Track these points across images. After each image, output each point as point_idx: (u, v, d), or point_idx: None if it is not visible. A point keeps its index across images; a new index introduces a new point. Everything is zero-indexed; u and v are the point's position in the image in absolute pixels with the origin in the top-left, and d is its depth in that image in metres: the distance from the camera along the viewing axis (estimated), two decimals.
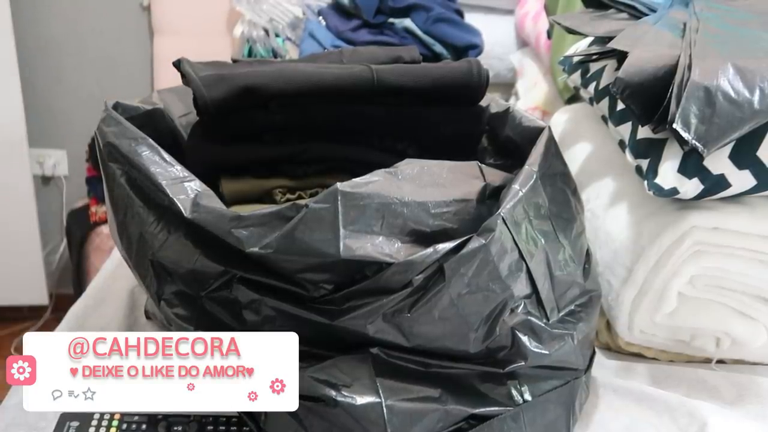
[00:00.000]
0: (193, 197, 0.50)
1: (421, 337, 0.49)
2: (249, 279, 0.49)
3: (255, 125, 0.70)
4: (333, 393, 0.48)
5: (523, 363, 0.52)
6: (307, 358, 0.49)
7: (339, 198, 0.48)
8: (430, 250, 0.48)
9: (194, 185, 0.51)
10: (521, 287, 0.52)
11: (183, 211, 0.50)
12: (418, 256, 0.47)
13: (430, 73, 0.69)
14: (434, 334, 0.50)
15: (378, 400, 0.48)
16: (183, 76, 0.66)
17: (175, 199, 0.50)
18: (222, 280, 0.50)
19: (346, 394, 0.48)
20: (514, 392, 0.53)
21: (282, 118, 0.69)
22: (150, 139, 0.55)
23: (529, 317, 0.52)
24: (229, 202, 0.68)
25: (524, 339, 0.52)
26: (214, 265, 0.50)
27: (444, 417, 0.50)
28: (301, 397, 0.48)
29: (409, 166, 0.52)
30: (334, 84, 0.66)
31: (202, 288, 0.50)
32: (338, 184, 0.48)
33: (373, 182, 0.49)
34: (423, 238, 0.49)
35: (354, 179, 0.49)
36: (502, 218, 0.50)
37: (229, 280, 0.50)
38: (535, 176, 0.54)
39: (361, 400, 0.48)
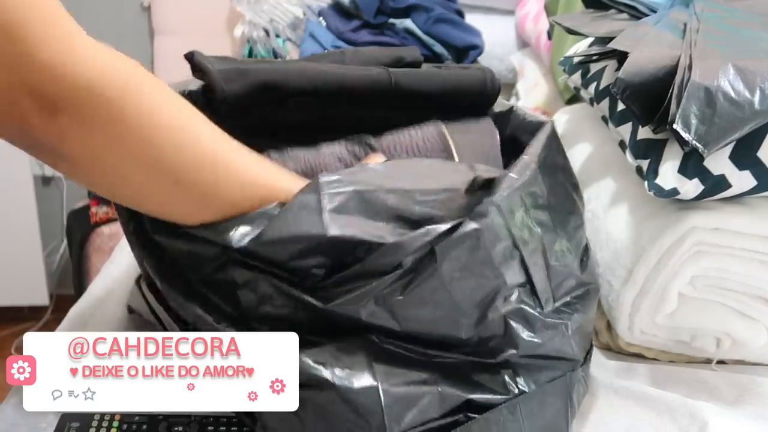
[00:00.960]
0: None
1: (413, 321, 0.49)
2: (243, 262, 0.50)
3: (270, 122, 0.69)
4: (329, 376, 0.48)
5: (514, 351, 0.52)
6: (304, 344, 0.49)
7: (321, 187, 0.48)
8: (422, 231, 0.48)
9: None
10: (514, 275, 0.51)
11: None
12: (408, 237, 0.48)
13: (446, 79, 0.70)
14: (426, 318, 0.49)
15: (374, 383, 0.48)
16: (195, 70, 0.65)
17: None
18: (218, 262, 0.50)
19: (342, 377, 0.48)
20: (509, 381, 0.52)
21: (299, 117, 0.69)
22: None
23: (522, 306, 0.52)
24: None
25: (517, 327, 0.51)
26: (211, 247, 0.50)
27: (440, 401, 0.50)
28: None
29: (396, 161, 0.53)
30: (354, 85, 0.67)
31: (195, 272, 0.51)
32: (319, 176, 0.49)
33: (357, 173, 0.50)
34: (409, 225, 0.49)
35: (337, 172, 0.50)
36: (496, 205, 0.50)
37: (224, 263, 0.50)
38: (533, 165, 0.54)
39: (358, 383, 0.48)
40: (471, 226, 0.48)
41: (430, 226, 0.48)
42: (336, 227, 0.47)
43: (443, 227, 0.48)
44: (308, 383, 0.48)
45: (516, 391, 0.52)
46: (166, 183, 0.47)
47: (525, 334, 0.52)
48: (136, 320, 0.65)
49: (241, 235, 0.48)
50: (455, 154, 0.64)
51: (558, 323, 0.54)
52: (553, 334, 0.54)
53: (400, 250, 0.48)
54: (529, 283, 0.53)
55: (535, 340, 0.52)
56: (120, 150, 0.45)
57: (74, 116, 0.42)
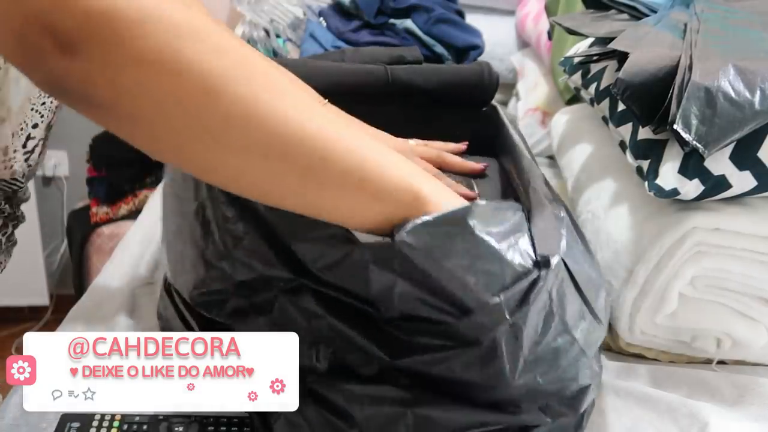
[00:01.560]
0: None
1: (480, 390, 0.48)
2: (318, 291, 0.48)
3: None
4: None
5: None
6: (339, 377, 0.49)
7: (397, 257, 0.43)
8: (495, 303, 0.44)
9: None
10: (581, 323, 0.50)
11: (259, 209, 0.48)
12: (482, 313, 0.44)
13: (443, 73, 0.70)
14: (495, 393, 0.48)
15: None
16: None
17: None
18: (292, 285, 0.48)
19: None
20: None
21: None
22: None
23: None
24: None
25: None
26: (285, 273, 0.48)
27: None
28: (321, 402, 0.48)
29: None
30: (352, 80, 0.66)
31: (273, 288, 0.50)
32: (398, 236, 0.42)
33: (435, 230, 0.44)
34: (489, 288, 0.45)
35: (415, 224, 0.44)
36: (562, 259, 0.47)
37: (299, 287, 0.48)
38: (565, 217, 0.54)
39: None
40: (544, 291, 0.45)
41: (503, 296, 0.44)
42: (404, 303, 0.44)
43: (517, 294, 0.45)
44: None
45: None
46: (218, 137, 0.38)
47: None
48: (164, 327, 0.65)
49: (314, 257, 0.46)
50: (475, 188, 0.63)
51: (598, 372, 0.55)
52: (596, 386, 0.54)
53: (477, 327, 0.44)
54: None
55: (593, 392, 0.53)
56: (157, 89, 0.36)
57: (95, 51, 0.35)
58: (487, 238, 0.44)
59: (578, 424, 0.55)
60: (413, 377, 0.48)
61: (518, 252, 0.45)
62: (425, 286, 0.44)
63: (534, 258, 0.46)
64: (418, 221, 0.43)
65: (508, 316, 0.44)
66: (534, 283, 0.45)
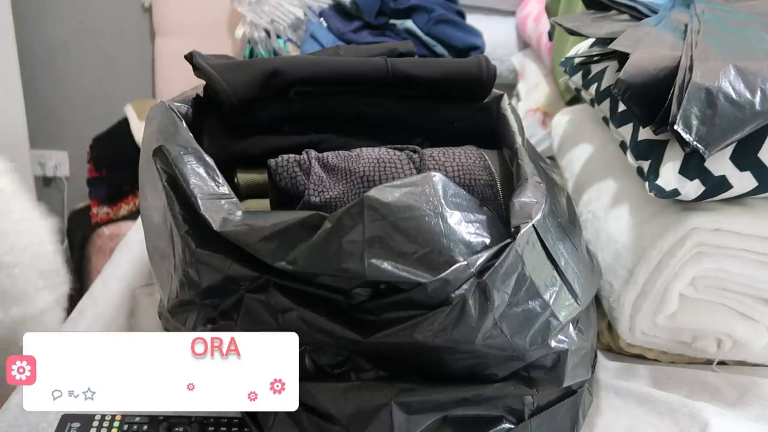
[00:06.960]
0: (225, 215, 0.50)
1: (461, 355, 0.48)
2: (284, 285, 0.48)
3: (273, 116, 0.69)
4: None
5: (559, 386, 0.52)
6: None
7: (365, 212, 0.45)
8: (463, 263, 0.46)
9: (229, 204, 0.51)
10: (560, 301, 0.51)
11: (213, 225, 0.49)
12: (452, 271, 0.45)
13: (442, 66, 0.69)
14: (473, 354, 0.48)
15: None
16: (195, 68, 0.65)
17: (205, 215, 0.50)
18: (258, 282, 0.49)
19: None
20: (526, 401, 0.52)
21: (301, 108, 0.68)
22: (201, 151, 0.55)
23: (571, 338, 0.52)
24: (243, 194, 0.67)
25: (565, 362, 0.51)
26: (249, 272, 0.49)
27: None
28: (306, 408, 0.48)
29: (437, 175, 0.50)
30: (353, 72, 0.66)
31: (239, 287, 0.50)
32: (365, 196, 0.45)
33: (403, 191, 0.47)
34: (458, 252, 0.47)
35: (384, 187, 0.46)
36: (533, 226, 0.48)
37: (265, 284, 0.49)
38: (544, 187, 0.54)
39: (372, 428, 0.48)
40: (514, 251, 0.46)
41: (472, 257, 0.46)
42: (376, 268, 0.45)
43: (484, 256, 0.46)
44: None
45: (530, 411, 0.52)
46: None
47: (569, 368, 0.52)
48: (165, 327, 0.65)
49: (279, 252, 0.47)
50: (495, 174, 0.63)
51: (588, 350, 0.54)
52: (579, 362, 0.54)
53: (446, 287, 0.45)
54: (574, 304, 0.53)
55: (577, 369, 0.52)
56: None
57: None
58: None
59: (574, 407, 0.55)
60: (388, 364, 0.49)
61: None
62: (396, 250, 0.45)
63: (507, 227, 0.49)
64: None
65: (475, 273, 0.45)
66: (504, 247, 0.47)
